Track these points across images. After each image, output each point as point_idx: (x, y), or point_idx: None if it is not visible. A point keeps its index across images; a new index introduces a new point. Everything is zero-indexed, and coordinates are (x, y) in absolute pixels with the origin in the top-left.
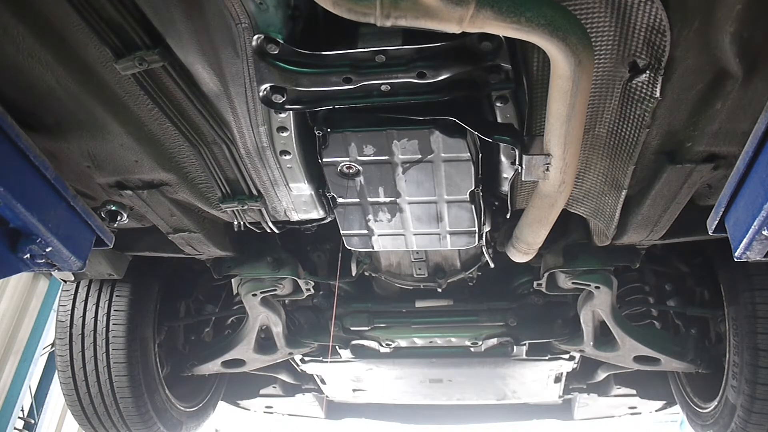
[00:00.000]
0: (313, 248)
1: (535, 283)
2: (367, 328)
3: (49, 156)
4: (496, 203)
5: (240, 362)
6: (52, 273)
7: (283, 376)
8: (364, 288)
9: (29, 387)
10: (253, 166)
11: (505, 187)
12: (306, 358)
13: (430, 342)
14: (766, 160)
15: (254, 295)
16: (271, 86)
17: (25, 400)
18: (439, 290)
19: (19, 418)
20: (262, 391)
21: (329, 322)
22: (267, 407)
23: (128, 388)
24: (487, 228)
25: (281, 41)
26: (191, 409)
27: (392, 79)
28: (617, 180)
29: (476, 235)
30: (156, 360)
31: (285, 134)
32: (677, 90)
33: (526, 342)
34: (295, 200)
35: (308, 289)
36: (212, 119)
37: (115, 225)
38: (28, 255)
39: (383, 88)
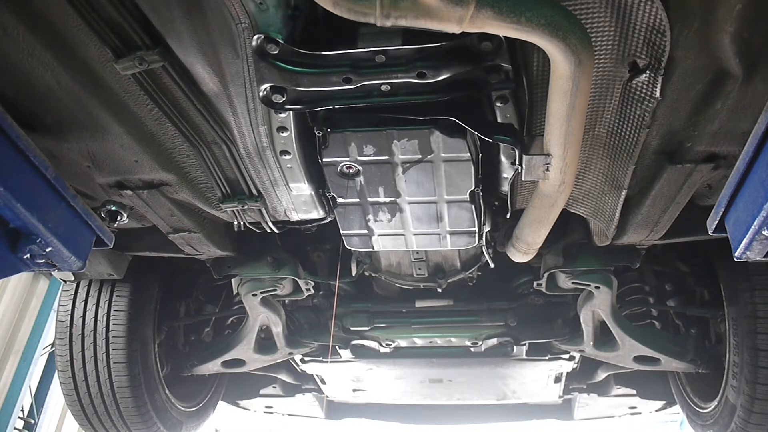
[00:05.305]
0: (313, 248)
1: (535, 283)
2: (367, 328)
3: (49, 156)
4: (496, 203)
5: (240, 362)
6: (52, 273)
7: (283, 376)
8: (364, 288)
9: (29, 387)
10: (253, 166)
11: (505, 187)
12: (306, 358)
13: (430, 342)
14: (766, 160)
15: (254, 295)
16: (271, 86)
17: (25, 400)
18: (439, 290)
19: (19, 418)
20: (262, 391)
21: (329, 322)
22: (267, 407)
23: (128, 388)
24: (487, 228)
25: (281, 41)
26: (191, 409)
27: (392, 79)
28: (617, 180)
29: (476, 235)
30: (156, 360)
31: (285, 134)
32: (677, 90)
33: (526, 342)
34: (295, 200)
35: (308, 289)
36: (212, 119)
37: (115, 225)
38: (28, 255)
39: (383, 88)
